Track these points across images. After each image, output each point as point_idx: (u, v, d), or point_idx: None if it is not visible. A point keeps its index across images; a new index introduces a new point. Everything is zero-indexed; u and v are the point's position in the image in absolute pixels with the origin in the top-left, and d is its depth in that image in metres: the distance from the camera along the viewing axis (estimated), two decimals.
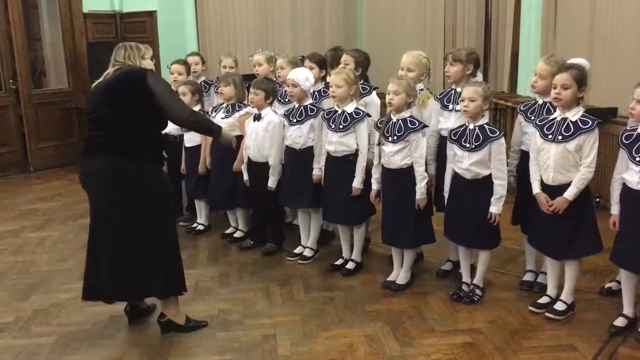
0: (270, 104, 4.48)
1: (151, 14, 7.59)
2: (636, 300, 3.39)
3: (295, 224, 4.84)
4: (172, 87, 3.41)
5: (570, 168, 3.35)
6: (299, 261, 4.43)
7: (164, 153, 3.52)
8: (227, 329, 3.51)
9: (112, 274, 3.26)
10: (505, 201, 3.62)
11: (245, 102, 4.68)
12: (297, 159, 4.30)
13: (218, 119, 4.68)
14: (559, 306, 3.51)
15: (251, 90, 4.45)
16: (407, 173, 3.77)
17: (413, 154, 3.74)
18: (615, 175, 3.34)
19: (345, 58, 4.33)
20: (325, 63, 4.64)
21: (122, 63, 3.26)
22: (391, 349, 3.24)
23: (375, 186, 3.97)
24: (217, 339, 3.40)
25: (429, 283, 4.05)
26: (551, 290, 3.62)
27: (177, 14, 7.89)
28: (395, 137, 3.74)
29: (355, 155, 4.03)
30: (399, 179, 3.80)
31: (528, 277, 3.94)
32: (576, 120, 3.33)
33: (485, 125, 3.59)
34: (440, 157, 3.96)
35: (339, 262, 4.31)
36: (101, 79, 3.27)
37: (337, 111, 4.05)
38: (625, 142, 3.23)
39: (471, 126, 3.60)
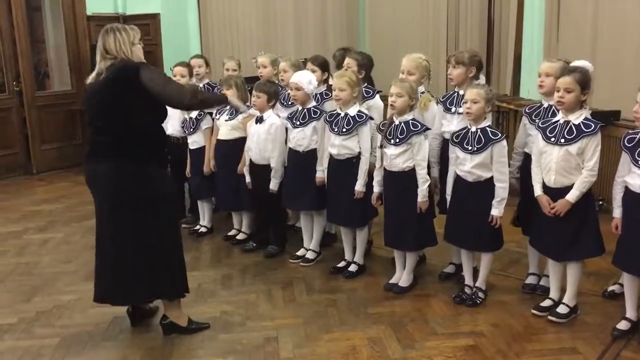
0: (273, 106, 4.49)
1: (154, 17, 7.61)
2: (639, 304, 3.38)
3: (298, 226, 4.84)
4: (167, 78, 3.31)
5: (572, 171, 3.35)
6: (302, 263, 4.44)
7: (167, 155, 3.53)
8: (229, 331, 3.51)
9: (115, 276, 3.27)
10: (507, 204, 3.62)
11: (248, 104, 4.68)
12: (301, 162, 4.30)
13: (222, 121, 4.70)
14: (562, 309, 3.50)
15: (253, 92, 4.46)
16: (409, 176, 3.77)
17: (415, 156, 3.74)
18: (617, 179, 3.33)
19: (348, 61, 4.33)
20: (327, 65, 4.64)
21: (114, 57, 3.16)
22: (393, 352, 3.24)
23: (376, 189, 3.97)
24: (219, 341, 3.40)
25: (431, 285, 4.05)
26: (554, 293, 3.62)
27: (180, 16, 7.91)
28: (397, 140, 3.75)
29: (358, 158, 4.03)
30: (401, 182, 3.80)
31: (531, 280, 3.94)
32: (579, 124, 3.33)
33: (487, 128, 3.59)
34: (443, 159, 3.96)
35: (342, 264, 4.31)
36: (94, 76, 3.20)
37: (340, 114, 4.06)
38: (628, 145, 3.23)
39: (473, 129, 3.60)
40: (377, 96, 4.40)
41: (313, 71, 4.44)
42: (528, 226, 3.77)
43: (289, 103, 4.61)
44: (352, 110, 4.01)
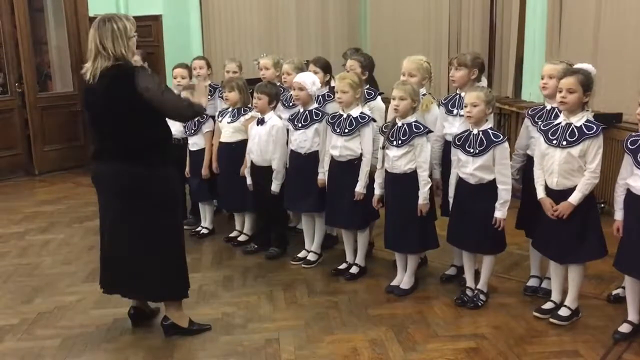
0: (274, 108, 4.49)
1: (157, 18, 7.61)
2: None
3: (299, 228, 4.84)
4: (163, 85, 3.29)
5: (574, 173, 3.35)
6: (303, 265, 4.43)
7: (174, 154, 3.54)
8: (231, 332, 3.51)
9: (117, 273, 3.31)
10: (509, 206, 3.61)
11: (250, 106, 4.69)
12: (302, 164, 4.30)
13: (224, 123, 4.70)
14: (563, 312, 3.50)
15: (255, 94, 4.46)
16: (411, 178, 3.77)
17: (417, 158, 3.74)
18: (619, 181, 3.33)
19: (351, 63, 4.33)
20: (329, 67, 4.65)
21: (110, 56, 3.12)
22: (395, 354, 3.24)
23: (377, 191, 3.97)
24: (221, 342, 3.40)
25: (433, 288, 4.05)
26: (555, 296, 3.61)
27: (182, 18, 7.91)
28: (399, 142, 3.74)
29: (359, 159, 4.03)
30: (403, 184, 3.80)
31: (532, 282, 3.94)
32: (581, 126, 3.33)
33: (489, 130, 3.59)
34: (445, 162, 3.96)
35: (343, 266, 4.31)
36: (91, 76, 3.16)
37: (342, 115, 4.06)
38: (631, 147, 3.23)
39: (475, 131, 3.60)
40: (379, 98, 4.41)
41: (315, 73, 4.45)
42: (530, 229, 3.77)
43: (291, 105, 4.61)
44: (355, 112, 4.02)
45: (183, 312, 3.49)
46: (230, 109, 4.74)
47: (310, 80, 4.23)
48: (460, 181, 3.71)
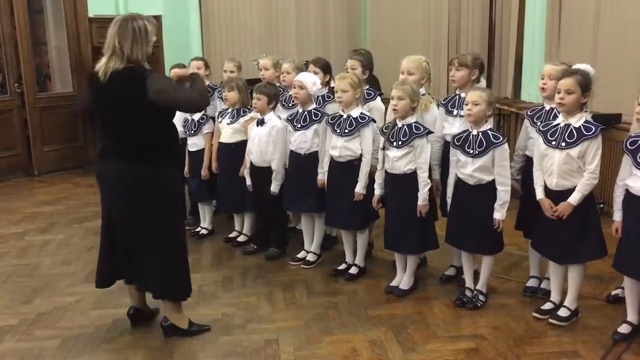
0: (273, 108, 4.49)
1: (156, 18, 7.58)
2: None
3: (299, 228, 4.83)
4: (174, 83, 3.32)
5: (573, 174, 3.35)
6: (302, 266, 4.43)
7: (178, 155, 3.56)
8: (230, 333, 3.51)
9: (124, 261, 3.35)
10: (509, 206, 3.62)
11: (250, 106, 4.69)
12: (302, 164, 4.30)
13: (224, 124, 4.70)
14: (563, 312, 3.50)
15: (254, 94, 4.47)
16: (411, 178, 3.77)
17: (417, 159, 3.74)
18: (618, 182, 3.33)
19: (351, 63, 4.33)
20: (329, 68, 4.64)
21: (125, 58, 3.08)
22: (394, 354, 3.24)
23: (377, 191, 3.97)
24: (220, 343, 3.40)
25: (432, 288, 4.05)
26: (555, 296, 3.61)
27: (182, 18, 7.91)
28: (400, 142, 3.74)
29: (359, 160, 4.03)
30: (403, 185, 3.79)
31: (532, 282, 3.94)
32: (580, 127, 3.33)
33: (488, 131, 3.59)
34: (444, 162, 3.95)
35: (342, 266, 4.31)
36: (103, 74, 3.11)
37: (342, 116, 4.06)
38: (630, 147, 3.23)
39: (474, 132, 3.60)
40: (379, 98, 4.41)
41: (315, 73, 4.45)
42: (529, 229, 3.77)
43: (290, 105, 4.61)
44: (355, 112, 4.02)
45: (183, 314, 3.48)
46: (229, 110, 4.74)
47: (311, 81, 4.24)
48: (459, 181, 3.71)
